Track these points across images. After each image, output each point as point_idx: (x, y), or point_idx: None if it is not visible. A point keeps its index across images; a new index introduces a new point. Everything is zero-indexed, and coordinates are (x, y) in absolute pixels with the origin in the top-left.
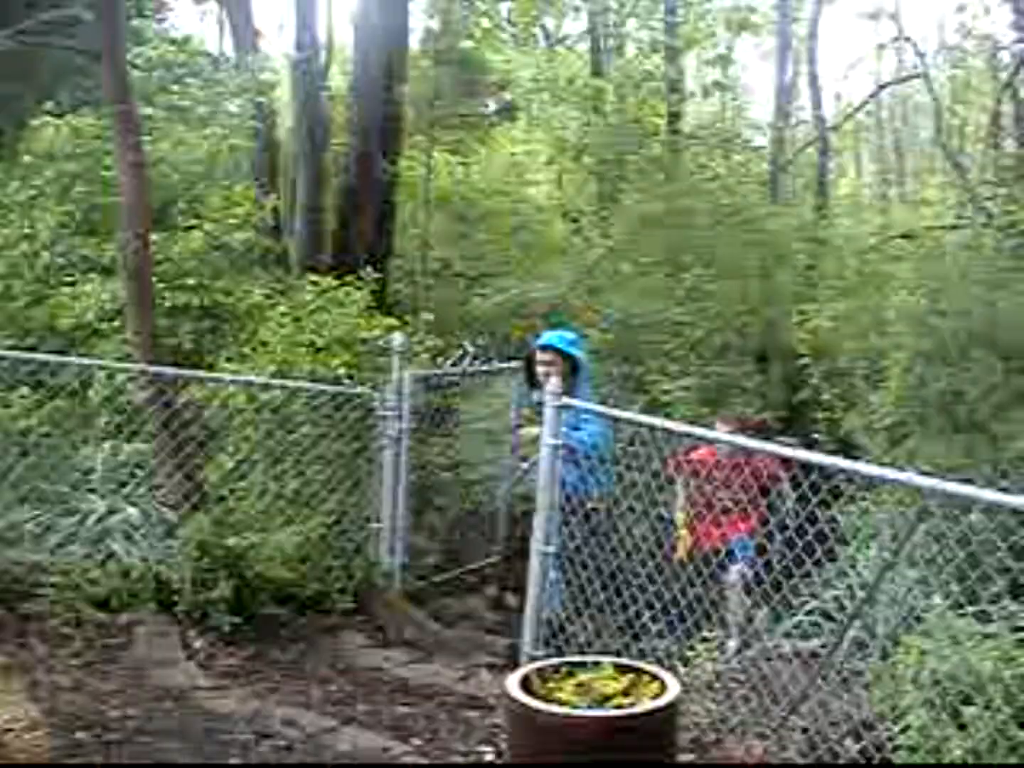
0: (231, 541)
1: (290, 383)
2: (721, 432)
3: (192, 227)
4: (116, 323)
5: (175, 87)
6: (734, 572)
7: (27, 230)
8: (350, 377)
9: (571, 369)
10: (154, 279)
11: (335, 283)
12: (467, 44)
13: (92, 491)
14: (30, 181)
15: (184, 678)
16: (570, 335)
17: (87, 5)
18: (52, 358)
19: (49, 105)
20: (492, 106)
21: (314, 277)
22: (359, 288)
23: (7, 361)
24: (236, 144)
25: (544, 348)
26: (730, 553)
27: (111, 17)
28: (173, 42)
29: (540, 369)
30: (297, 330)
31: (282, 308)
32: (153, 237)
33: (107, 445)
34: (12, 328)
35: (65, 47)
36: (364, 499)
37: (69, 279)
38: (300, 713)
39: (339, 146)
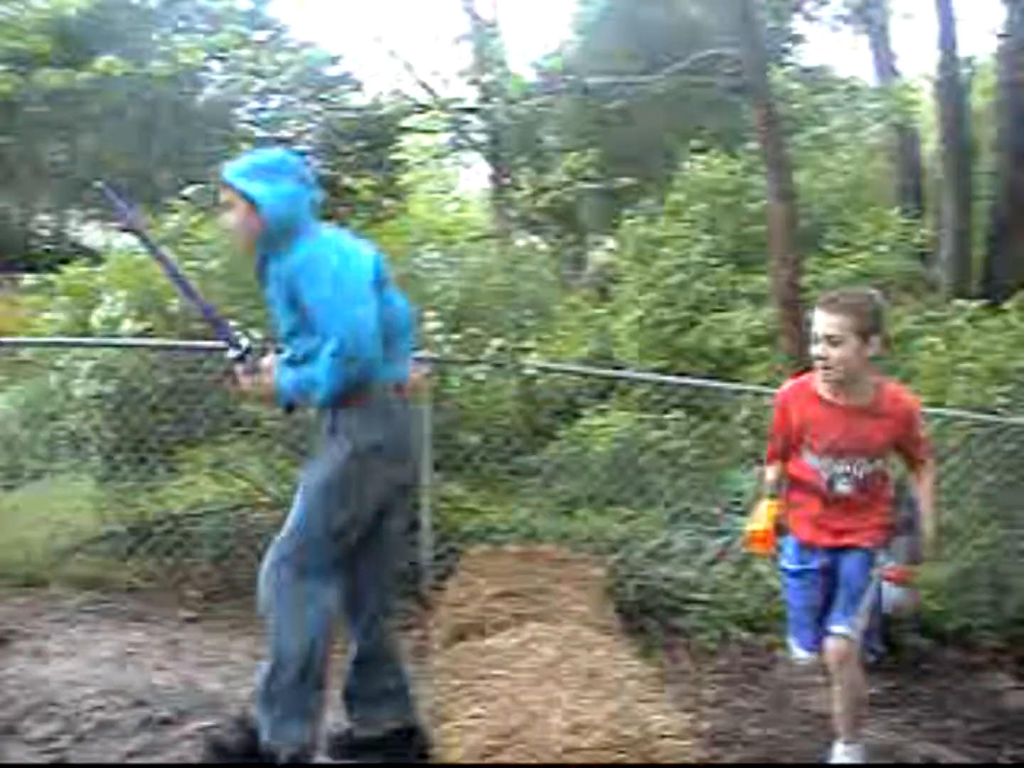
0: None
1: (944, 411)
2: (827, 322)
3: (841, 254)
4: (764, 349)
5: (815, 116)
6: (840, 629)
7: (680, 261)
8: (1006, 407)
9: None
10: (804, 306)
11: (986, 309)
12: None
13: (741, 513)
14: (681, 215)
15: (824, 704)
16: (268, 157)
17: (731, 43)
18: (706, 383)
19: (695, 141)
20: None
21: (962, 303)
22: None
23: (666, 385)
24: (878, 169)
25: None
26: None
27: (756, 53)
28: (807, 71)
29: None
30: (950, 358)
31: (931, 335)
32: (803, 265)
33: (756, 469)
34: (664, 352)
35: (710, 85)
36: (1017, 533)
37: (719, 307)
38: (940, 751)
39: (986, 168)
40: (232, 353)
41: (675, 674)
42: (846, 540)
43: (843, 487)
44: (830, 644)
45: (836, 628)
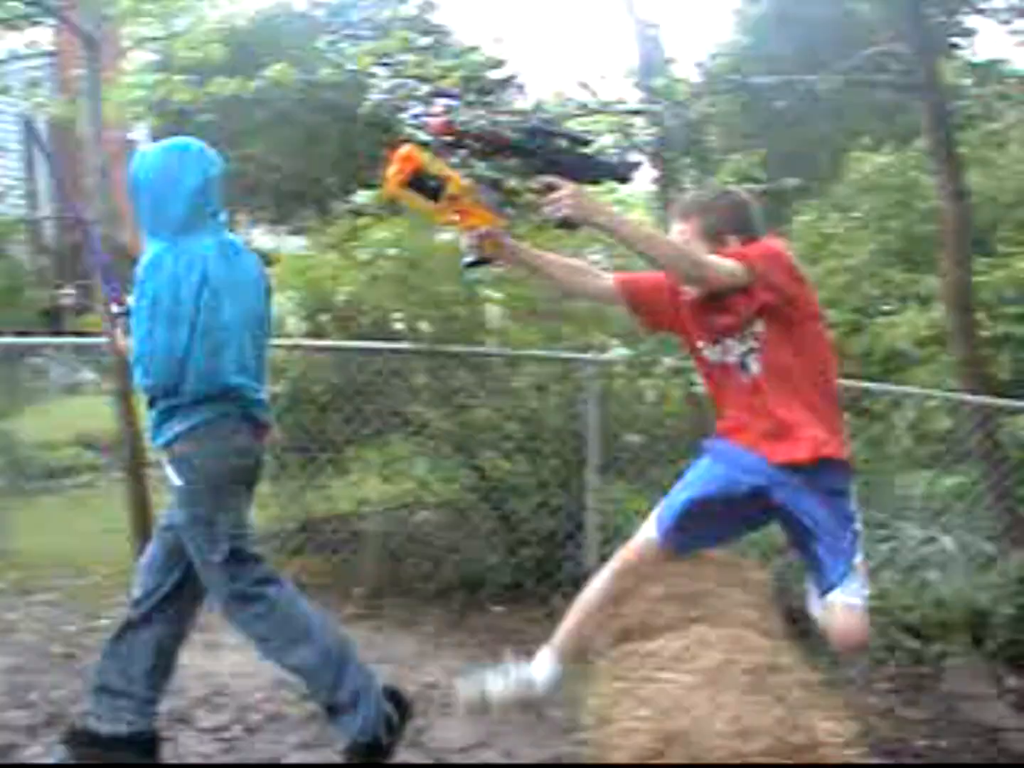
0: None
1: None
2: (674, 229)
3: (1012, 254)
4: (932, 351)
5: (987, 112)
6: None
7: (847, 261)
8: None
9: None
10: (975, 308)
11: None
12: None
13: (909, 519)
14: (849, 213)
15: (994, 717)
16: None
17: (899, 39)
18: (874, 385)
19: (863, 139)
20: None
21: None
22: None
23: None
24: None
25: None
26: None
27: (925, 49)
28: (978, 66)
29: None
30: None
31: None
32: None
33: (924, 473)
34: None
35: (878, 83)
36: None
37: (886, 308)
38: None
39: None
40: (115, 309)
41: (840, 681)
42: (786, 454)
43: (752, 364)
44: (838, 621)
45: (840, 598)
